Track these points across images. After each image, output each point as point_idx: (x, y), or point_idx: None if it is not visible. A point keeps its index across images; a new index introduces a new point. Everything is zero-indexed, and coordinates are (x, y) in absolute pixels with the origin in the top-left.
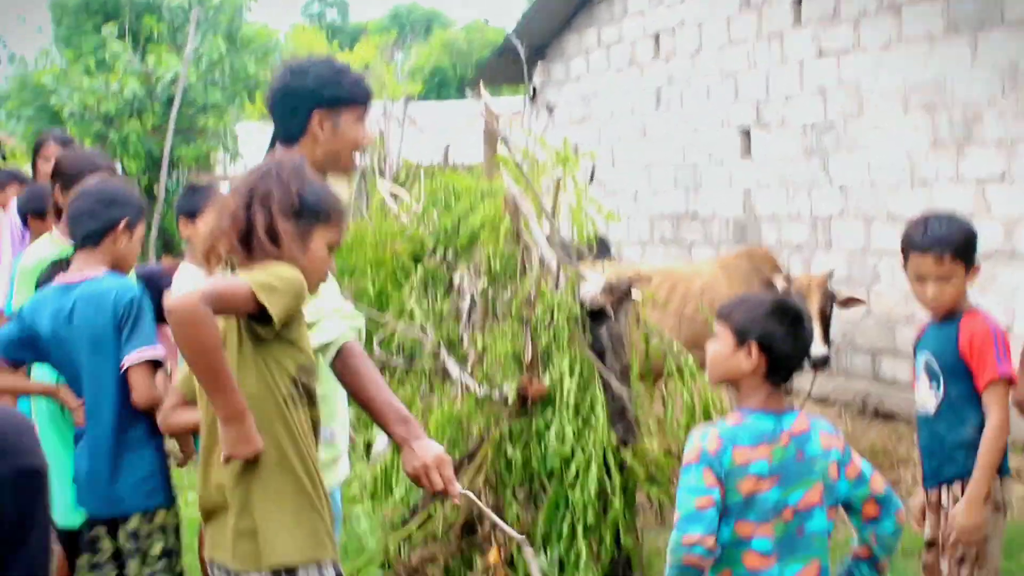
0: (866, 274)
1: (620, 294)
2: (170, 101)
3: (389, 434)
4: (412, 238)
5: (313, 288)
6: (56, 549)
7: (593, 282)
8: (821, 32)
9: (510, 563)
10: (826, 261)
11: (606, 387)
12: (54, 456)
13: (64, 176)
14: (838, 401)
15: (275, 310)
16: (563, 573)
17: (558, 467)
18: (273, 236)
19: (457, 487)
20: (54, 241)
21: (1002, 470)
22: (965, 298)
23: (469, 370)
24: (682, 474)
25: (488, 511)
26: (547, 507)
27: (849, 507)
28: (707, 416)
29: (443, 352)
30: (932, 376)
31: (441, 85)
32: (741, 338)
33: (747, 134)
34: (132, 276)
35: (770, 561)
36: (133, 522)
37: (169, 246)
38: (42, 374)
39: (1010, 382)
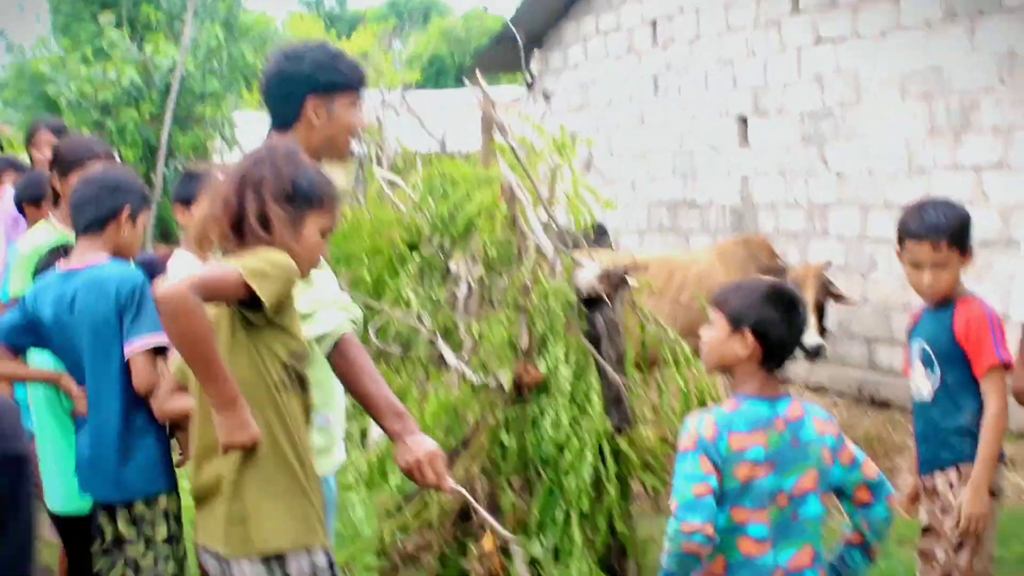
0: (863, 262)
1: (616, 281)
2: (168, 89)
3: (383, 428)
4: (409, 226)
5: (304, 273)
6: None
7: (589, 269)
8: (819, 19)
9: (504, 550)
10: (823, 249)
11: (602, 374)
12: (52, 443)
13: (62, 163)
14: (834, 389)
15: (266, 296)
16: (558, 560)
17: (553, 454)
18: (264, 222)
19: (449, 482)
20: (52, 228)
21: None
22: (960, 284)
23: (465, 358)
24: (678, 461)
25: (478, 506)
26: (542, 494)
27: (841, 493)
28: (702, 404)
29: (439, 340)
30: (927, 363)
31: (439, 73)
32: (736, 324)
33: (744, 122)
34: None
35: (765, 547)
36: (136, 507)
37: (166, 234)
38: (40, 360)
39: (1007, 368)
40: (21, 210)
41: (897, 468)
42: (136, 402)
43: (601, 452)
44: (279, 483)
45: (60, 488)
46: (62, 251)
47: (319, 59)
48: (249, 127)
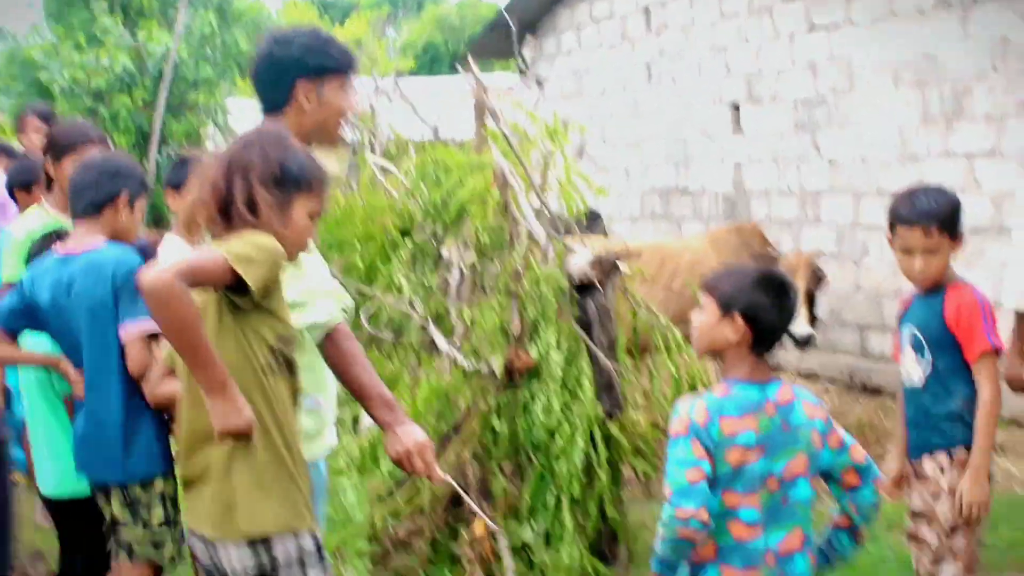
0: (855, 249)
1: (608, 268)
2: (161, 76)
3: (374, 418)
4: (401, 212)
5: (292, 257)
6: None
7: (581, 256)
8: (812, 7)
9: (495, 536)
10: (815, 236)
11: (593, 360)
12: (44, 427)
13: (56, 148)
14: (825, 376)
15: (253, 280)
16: (549, 545)
17: (544, 440)
18: (252, 206)
19: (438, 472)
20: (45, 213)
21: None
22: (950, 270)
23: (457, 343)
24: (670, 446)
25: (465, 495)
26: (533, 480)
27: (829, 476)
28: (693, 390)
29: (431, 325)
30: (918, 349)
31: (434, 61)
32: (726, 308)
33: (737, 109)
34: None
35: (756, 531)
36: (132, 490)
37: (158, 220)
38: (33, 343)
39: (998, 353)
40: (13, 195)
41: (889, 454)
42: (134, 385)
43: (592, 438)
44: (266, 466)
45: (53, 472)
46: (55, 236)
47: (309, 43)
48: (242, 114)
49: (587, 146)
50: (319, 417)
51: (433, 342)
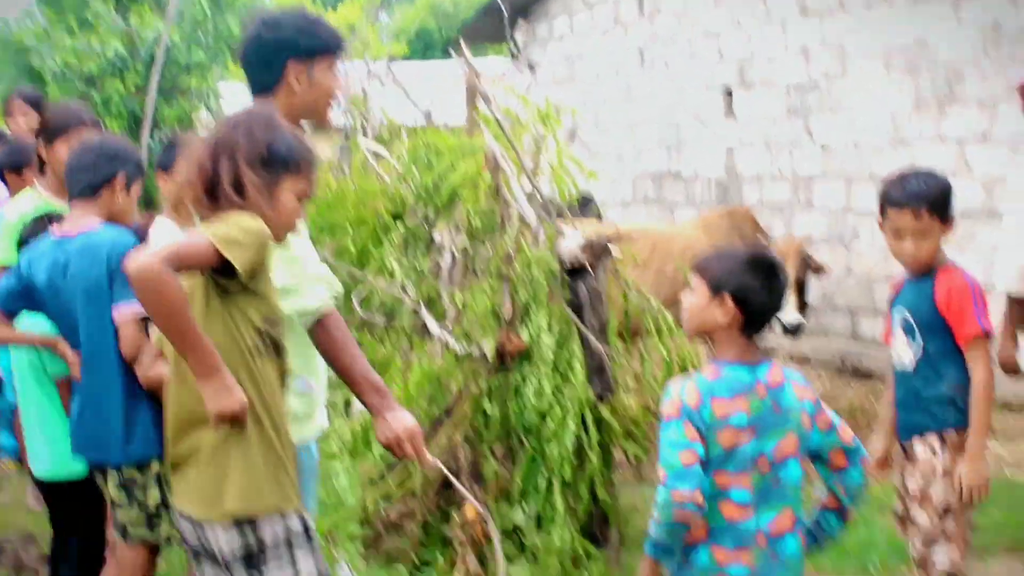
0: (846, 234)
1: (599, 251)
2: (153, 61)
3: (364, 403)
4: (393, 196)
5: (280, 238)
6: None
7: (572, 239)
8: None
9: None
10: (807, 221)
11: (584, 343)
12: (36, 409)
13: (49, 131)
14: (817, 360)
15: (240, 263)
16: (540, 528)
17: (536, 423)
18: (239, 187)
19: (428, 458)
20: (37, 196)
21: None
22: (941, 253)
23: (448, 327)
24: (663, 429)
25: (455, 480)
26: (524, 462)
27: (817, 457)
28: (684, 373)
29: (423, 309)
30: (908, 332)
31: (427, 47)
32: (716, 290)
33: (730, 94)
34: None
35: (748, 511)
36: (127, 472)
37: (150, 204)
38: (31, 324)
39: (988, 336)
40: (3, 178)
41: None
42: (129, 366)
43: (583, 420)
44: (253, 448)
45: (46, 454)
46: (47, 219)
47: (298, 24)
48: (234, 98)
49: (579, 131)
50: (310, 399)
51: (425, 326)
